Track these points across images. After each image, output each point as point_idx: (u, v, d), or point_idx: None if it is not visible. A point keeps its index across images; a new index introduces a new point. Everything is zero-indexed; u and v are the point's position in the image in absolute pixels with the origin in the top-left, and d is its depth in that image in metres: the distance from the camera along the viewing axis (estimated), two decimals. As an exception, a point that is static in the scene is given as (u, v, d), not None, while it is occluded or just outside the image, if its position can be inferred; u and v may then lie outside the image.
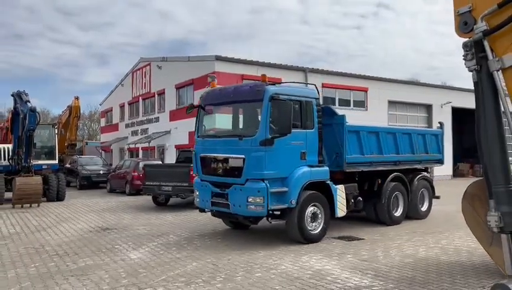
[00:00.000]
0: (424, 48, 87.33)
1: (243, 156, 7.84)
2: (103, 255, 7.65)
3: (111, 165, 27.52)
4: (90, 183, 22.71)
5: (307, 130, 8.38)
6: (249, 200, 7.65)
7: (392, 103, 26.83)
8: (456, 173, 30.28)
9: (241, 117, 9.00)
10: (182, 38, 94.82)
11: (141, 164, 17.36)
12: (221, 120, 9.09)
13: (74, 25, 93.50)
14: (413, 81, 28.86)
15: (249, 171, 7.78)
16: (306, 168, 8.26)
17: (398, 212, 10.61)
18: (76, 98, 28.95)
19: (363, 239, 8.90)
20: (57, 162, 18.22)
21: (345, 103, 25.09)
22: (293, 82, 9.31)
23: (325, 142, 8.90)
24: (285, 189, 7.90)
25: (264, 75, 8.29)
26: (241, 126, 8.90)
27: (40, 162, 17.07)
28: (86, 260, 7.31)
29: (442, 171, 27.06)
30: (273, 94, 7.80)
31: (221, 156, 8.29)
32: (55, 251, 8.02)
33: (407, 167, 11.02)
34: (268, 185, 7.65)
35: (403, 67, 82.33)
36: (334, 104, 24.51)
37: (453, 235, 9.18)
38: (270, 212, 7.97)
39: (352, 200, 9.35)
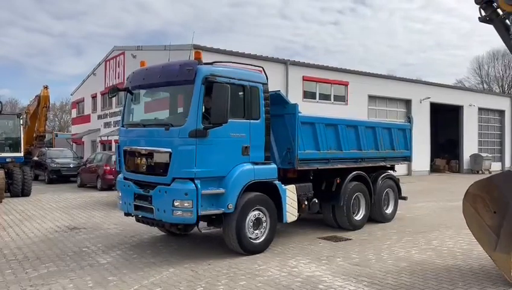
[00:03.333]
0: (400, 45, 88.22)
1: (169, 149, 6.55)
2: (69, 260, 6.87)
3: (82, 158, 26.31)
4: (59, 177, 21.64)
5: (251, 121, 7.11)
6: (175, 204, 6.39)
7: (372, 98, 26.65)
8: (433, 169, 30.50)
9: (170, 102, 7.68)
10: (160, 29, 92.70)
11: (114, 158, 16.44)
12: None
13: (48, 13, 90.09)
14: (394, 76, 28.77)
15: (175, 169, 6.49)
16: (248, 166, 7.03)
17: (359, 216, 9.50)
18: (45, 88, 27.43)
19: (350, 239, 8.42)
20: (22, 154, 17.05)
21: (325, 97, 24.73)
22: (236, 62, 7.69)
23: (275, 135, 7.88)
24: (221, 191, 6.65)
25: (198, 52, 6.85)
26: (169, 113, 7.56)
27: (3, 154, 15.92)
28: (48, 266, 6.52)
29: (420, 166, 27.26)
30: (207, 75, 6.53)
31: (144, 149, 6.99)
32: (14, 255, 7.18)
33: (370, 164, 9.97)
34: (199, 185, 6.41)
35: (380, 64, 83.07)
36: (315, 98, 24.15)
37: (443, 235, 8.80)
38: (212, 217, 6.90)
39: (306, 203, 8.18)
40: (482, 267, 6.36)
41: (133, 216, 7.61)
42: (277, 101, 8.09)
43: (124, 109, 7.90)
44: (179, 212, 6.46)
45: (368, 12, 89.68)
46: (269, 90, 7.67)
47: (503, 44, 6.21)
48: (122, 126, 7.81)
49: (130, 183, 7.28)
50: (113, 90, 7.89)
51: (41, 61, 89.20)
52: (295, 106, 8.19)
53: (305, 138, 8.29)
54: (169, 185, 6.58)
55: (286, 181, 7.97)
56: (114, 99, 28.07)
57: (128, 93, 7.76)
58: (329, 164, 8.91)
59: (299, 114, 8.16)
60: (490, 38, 76.83)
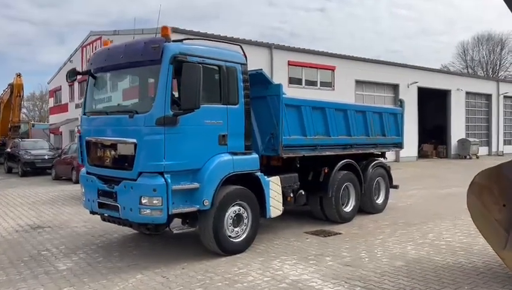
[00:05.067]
0: (386, 31, 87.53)
1: (134, 140, 5.77)
2: (23, 267, 6.04)
3: (59, 149, 25.19)
4: (33, 170, 20.51)
5: (229, 106, 6.34)
6: (143, 201, 5.64)
7: (359, 83, 25.98)
8: (420, 154, 30.13)
9: (134, 86, 6.89)
10: (144, 17, 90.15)
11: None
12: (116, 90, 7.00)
13: (29, 1, 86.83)
14: (381, 60, 28.07)
15: (142, 162, 5.71)
16: (227, 156, 6.29)
17: (348, 207, 8.82)
18: (18, 75, 26.31)
19: (340, 234, 7.75)
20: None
21: (311, 83, 23.97)
22: (210, 39, 6.89)
23: (257, 119, 7.24)
24: (195, 185, 5.91)
25: (165, 28, 5.93)
26: (134, 99, 6.78)
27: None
28: (-3, 275, 5.69)
29: (408, 152, 26.77)
30: (175, 54, 5.73)
31: (108, 139, 6.22)
32: (-39, 262, 6.32)
33: (360, 151, 9.32)
34: (169, 180, 5.65)
35: (365, 50, 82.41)
36: (301, 84, 23.37)
37: (438, 228, 8.18)
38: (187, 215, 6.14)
39: (292, 195, 7.55)
40: (487, 265, 5.73)
41: (99, 214, 6.80)
42: (259, 81, 7.30)
43: (85, 95, 7.04)
44: (147, 211, 5.68)
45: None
46: (252, 70, 6.90)
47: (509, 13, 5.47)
48: (84, 114, 6.95)
49: (93, 178, 6.48)
50: (72, 74, 6.94)
51: (24, 51, 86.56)
52: (279, 86, 7.39)
53: (290, 122, 7.54)
54: (135, 180, 5.79)
55: (270, 170, 7.27)
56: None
57: (91, 77, 6.91)
58: (316, 151, 8.19)
59: (284, 96, 7.39)
60: (474, 24, 76.92)
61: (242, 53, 6.77)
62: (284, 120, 7.34)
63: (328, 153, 8.48)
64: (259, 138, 7.39)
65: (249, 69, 6.91)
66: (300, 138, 7.80)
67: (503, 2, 5.45)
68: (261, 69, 7.50)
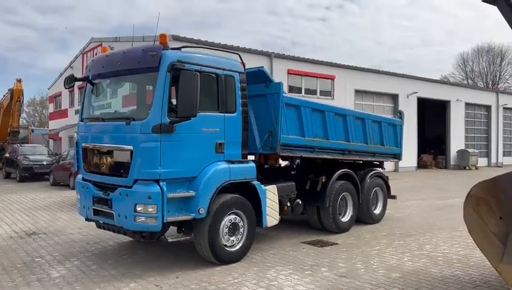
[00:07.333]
0: (386, 41, 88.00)
1: (130, 147, 5.76)
2: (15, 274, 5.98)
3: (57, 154, 25.14)
4: (32, 175, 20.46)
5: (226, 114, 6.33)
6: (138, 209, 5.59)
7: (358, 92, 26.03)
8: (420, 165, 30.08)
9: (132, 93, 6.90)
10: (145, 24, 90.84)
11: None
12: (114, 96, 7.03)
13: (32, 7, 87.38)
14: (381, 70, 28.11)
15: (137, 169, 5.69)
16: (223, 165, 6.27)
17: (346, 217, 8.75)
18: (19, 81, 26.38)
19: (336, 244, 7.70)
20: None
21: (311, 92, 24.00)
22: (209, 48, 6.93)
23: (257, 117, 7.27)
24: (191, 193, 5.88)
25: (164, 35, 5.91)
26: (132, 106, 6.76)
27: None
28: (-11, 282, 5.64)
29: (408, 162, 26.71)
30: (173, 62, 5.71)
31: (104, 146, 6.21)
32: (-46, 268, 6.27)
33: (357, 158, 9.42)
34: (165, 188, 5.63)
35: (365, 60, 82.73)
36: (300, 93, 23.39)
37: (436, 239, 8.13)
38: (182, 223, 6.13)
39: (289, 204, 7.51)
40: (484, 277, 5.69)
41: (94, 222, 6.76)
42: (260, 79, 7.34)
43: (83, 101, 7.06)
44: (142, 219, 5.65)
45: (355, 9, 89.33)
46: (253, 68, 7.00)
47: (507, 25, 5.47)
48: (81, 120, 6.94)
49: (89, 185, 6.46)
50: (70, 80, 6.94)
51: (25, 56, 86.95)
52: (279, 85, 7.38)
53: (290, 121, 7.54)
54: (130, 187, 5.77)
55: (267, 178, 7.24)
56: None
57: (88, 84, 6.92)
58: (314, 153, 8.19)
59: (284, 95, 7.40)
60: (474, 34, 77.41)
61: (240, 61, 6.77)
62: (283, 119, 7.33)
63: (325, 156, 8.47)
64: (257, 136, 7.38)
65: (250, 67, 6.96)
66: (298, 138, 7.80)
67: (502, 16, 5.47)
68: (262, 67, 7.52)
